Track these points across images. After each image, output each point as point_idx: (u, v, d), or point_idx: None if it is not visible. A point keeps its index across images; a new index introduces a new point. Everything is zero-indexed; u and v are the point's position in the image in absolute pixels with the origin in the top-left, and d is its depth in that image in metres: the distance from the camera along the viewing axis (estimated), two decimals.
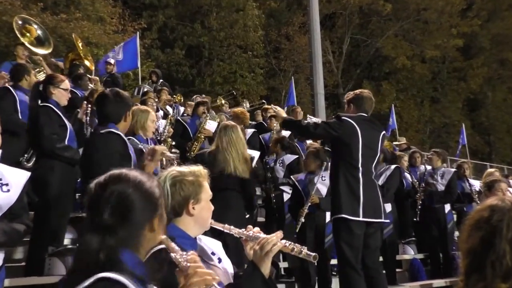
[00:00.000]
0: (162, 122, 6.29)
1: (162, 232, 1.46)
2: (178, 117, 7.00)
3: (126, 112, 3.16)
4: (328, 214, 5.17)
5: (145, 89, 9.00)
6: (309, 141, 7.14)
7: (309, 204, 5.01)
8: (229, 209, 4.02)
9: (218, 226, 2.02)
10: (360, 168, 3.97)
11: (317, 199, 5.06)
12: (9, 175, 2.24)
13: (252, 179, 4.29)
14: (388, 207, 5.72)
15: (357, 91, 4.34)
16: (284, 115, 4.26)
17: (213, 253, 2.07)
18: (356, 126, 4.01)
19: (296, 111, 9.38)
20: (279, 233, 1.90)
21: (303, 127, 4.16)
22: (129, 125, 3.23)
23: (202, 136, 6.25)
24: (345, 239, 3.91)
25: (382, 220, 4.11)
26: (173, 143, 5.98)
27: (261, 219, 6.11)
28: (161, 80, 10.12)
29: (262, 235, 1.91)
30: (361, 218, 3.90)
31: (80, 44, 7.91)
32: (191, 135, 6.36)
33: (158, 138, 4.17)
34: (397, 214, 6.14)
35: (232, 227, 1.98)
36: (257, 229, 1.96)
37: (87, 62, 7.63)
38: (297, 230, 4.95)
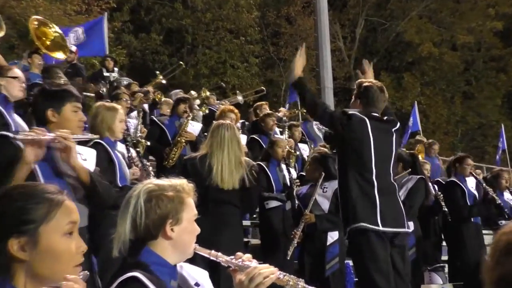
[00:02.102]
0: (132, 122, 6.30)
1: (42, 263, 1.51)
2: (154, 117, 7.01)
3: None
4: (329, 235, 5.19)
5: (120, 81, 9.00)
6: (302, 146, 7.17)
7: (303, 224, 5.06)
8: (224, 227, 4.03)
9: (203, 252, 2.03)
10: (374, 169, 4.03)
11: (312, 218, 5.11)
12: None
13: (254, 189, 4.27)
14: (410, 225, 5.74)
15: (366, 81, 4.36)
16: (300, 70, 4.29)
17: (197, 284, 2.09)
18: (367, 121, 4.08)
19: (302, 111, 9.43)
20: (274, 269, 1.91)
21: (315, 103, 4.23)
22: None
23: (183, 141, 6.23)
24: (369, 256, 3.91)
25: (406, 230, 4.14)
26: (148, 143, 6.00)
27: (255, 241, 6.13)
28: (116, 69, 10.09)
29: (253, 263, 1.92)
30: (380, 228, 3.92)
31: (33, 28, 7.90)
32: (170, 139, 6.36)
33: (128, 139, 4.16)
34: (422, 234, 6.17)
35: (219, 253, 1.99)
36: (247, 256, 1.98)
37: (58, 54, 7.63)
38: (288, 257, 5.00)
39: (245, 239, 6.35)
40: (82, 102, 3.40)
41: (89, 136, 3.18)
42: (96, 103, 4.14)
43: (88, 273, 1.62)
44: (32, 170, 2.85)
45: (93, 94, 8.14)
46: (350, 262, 5.35)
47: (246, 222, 7.30)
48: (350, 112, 4.10)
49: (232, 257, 1.97)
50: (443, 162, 7.40)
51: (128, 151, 4.12)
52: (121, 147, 4.06)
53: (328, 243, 5.20)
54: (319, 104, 4.24)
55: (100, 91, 7.60)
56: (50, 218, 1.54)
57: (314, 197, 5.15)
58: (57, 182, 2.87)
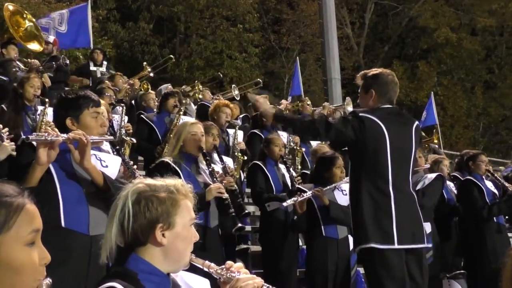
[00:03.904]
0: (116, 117, 6.30)
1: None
2: (142, 115, 7.01)
3: None
4: (351, 239, 5.25)
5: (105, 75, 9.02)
6: (315, 142, 7.17)
7: (311, 194, 5.06)
8: None
9: (198, 262, 2.03)
10: (391, 179, 3.98)
11: (325, 198, 5.12)
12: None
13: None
14: (428, 227, 5.74)
15: (376, 70, 4.30)
16: (269, 107, 4.28)
17: None
18: (382, 125, 4.01)
19: (303, 104, 9.41)
20: (258, 280, 1.93)
21: (309, 127, 4.16)
22: None
23: None
24: (384, 274, 3.91)
25: (425, 245, 4.13)
26: (134, 141, 6.00)
27: (257, 248, 6.13)
28: (105, 63, 10.08)
29: (241, 275, 1.94)
30: (396, 246, 3.91)
31: (9, 15, 7.95)
32: (160, 138, 6.37)
33: (112, 139, 4.19)
34: (440, 238, 6.18)
35: (212, 264, 1.99)
36: (238, 265, 1.99)
37: (32, 45, 7.67)
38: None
39: (245, 246, 6.37)
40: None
41: (104, 138, 3.37)
42: None
43: (50, 280, 1.53)
44: (50, 172, 3.06)
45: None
46: (361, 270, 5.38)
47: (246, 227, 7.30)
48: (361, 115, 4.02)
49: (223, 266, 1.97)
50: None
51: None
52: (105, 145, 4.07)
53: (351, 248, 5.25)
54: (316, 124, 4.11)
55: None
56: (9, 227, 1.42)
57: (334, 185, 5.21)
58: (72, 186, 3.15)
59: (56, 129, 3.04)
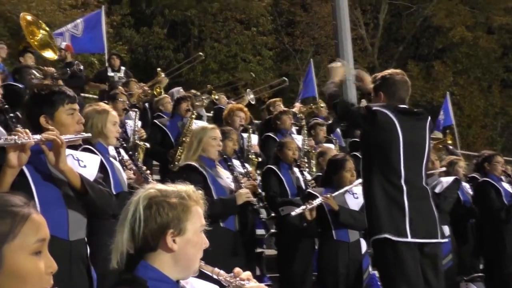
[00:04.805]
0: (129, 122, 6.34)
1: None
2: (155, 120, 7.05)
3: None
4: (363, 243, 5.23)
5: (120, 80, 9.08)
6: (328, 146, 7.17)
7: (320, 202, 5.05)
8: None
9: (207, 270, 2.02)
10: (403, 173, 3.99)
11: (334, 203, 5.10)
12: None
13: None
14: (446, 230, 5.69)
15: (386, 72, 4.33)
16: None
17: None
18: (394, 119, 4.03)
19: (318, 106, 9.39)
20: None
21: (340, 107, 4.29)
22: None
23: (188, 140, 6.27)
24: (396, 267, 3.89)
25: (439, 240, 4.09)
26: (147, 145, 6.03)
27: (271, 251, 6.12)
28: (123, 68, 10.15)
29: (250, 283, 1.94)
30: (409, 239, 3.88)
31: (25, 24, 8.08)
32: (173, 142, 6.39)
33: (124, 144, 4.19)
34: (456, 241, 6.11)
35: (221, 271, 1.98)
36: (247, 274, 1.98)
37: (47, 53, 7.78)
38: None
39: (259, 250, 6.36)
40: (79, 103, 3.40)
41: (81, 135, 3.10)
42: (86, 107, 4.15)
43: None
44: (24, 175, 2.85)
45: (95, 96, 8.25)
46: (376, 273, 5.35)
47: (260, 231, 7.29)
48: (374, 108, 4.05)
49: (232, 274, 1.96)
50: None
51: (119, 154, 4.13)
52: (111, 150, 4.08)
53: (363, 251, 5.26)
54: (343, 103, 4.31)
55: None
56: (15, 236, 1.45)
57: (345, 189, 5.20)
58: (48, 188, 2.93)
59: (27, 130, 2.77)
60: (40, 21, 8.32)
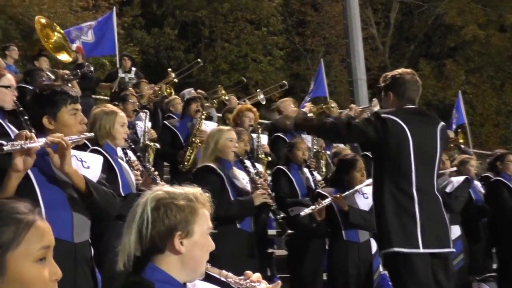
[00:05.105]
0: (140, 123, 6.36)
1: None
2: (165, 121, 7.07)
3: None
4: (373, 243, 5.21)
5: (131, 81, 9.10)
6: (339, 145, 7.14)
7: (329, 202, 5.04)
8: None
9: (214, 272, 2.03)
10: (414, 181, 3.93)
11: (344, 204, 5.08)
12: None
13: None
14: (457, 230, 5.65)
15: (396, 72, 4.27)
16: (289, 115, 4.31)
17: None
18: (404, 126, 3.96)
19: (329, 106, 9.36)
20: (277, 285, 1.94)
21: (329, 129, 4.17)
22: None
23: (198, 141, 6.29)
24: (409, 280, 3.86)
25: (450, 250, 4.06)
26: (158, 146, 6.05)
27: (281, 252, 6.11)
28: (134, 69, 10.18)
29: (262, 285, 1.94)
30: (421, 250, 3.85)
31: (39, 27, 8.15)
32: (183, 143, 6.41)
33: (132, 145, 4.20)
34: (468, 240, 6.08)
35: (229, 274, 1.99)
36: (257, 275, 1.98)
37: (62, 56, 7.84)
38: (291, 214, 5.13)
39: (270, 250, 6.36)
40: (90, 104, 3.40)
41: (84, 135, 3.09)
42: (94, 108, 4.16)
43: None
44: (29, 178, 2.85)
45: (106, 97, 8.29)
46: (387, 273, 5.34)
47: (272, 231, 7.28)
48: (383, 116, 3.99)
49: (242, 277, 1.97)
50: None
51: (126, 155, 4.14)
52: (118, 151, 4.09)
53: (373, 251, 5.23)
54: (336, 126, 4.20)
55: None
56: (19, 243, 1.44)
57: (355, 189, 5.19)
58: (53, 190, 2.93)
59: (33, 134, 2.76)
60: (54, 24, 8.38)
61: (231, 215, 4.42)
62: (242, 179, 4.69)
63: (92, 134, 3.37)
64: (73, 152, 3.05)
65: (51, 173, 2.95)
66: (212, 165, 4.50)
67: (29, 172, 2.83)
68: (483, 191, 6.71)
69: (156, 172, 3.88)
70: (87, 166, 3.14)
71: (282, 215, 4.65)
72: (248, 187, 4.67)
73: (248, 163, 4.96)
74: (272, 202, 4.60)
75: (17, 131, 3.95)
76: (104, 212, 3.06)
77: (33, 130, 3.37)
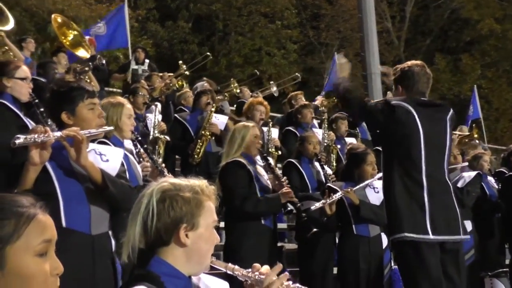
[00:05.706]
0: (150, 116, 6.38)
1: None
2: (176, 115, 7.08)
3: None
4: (384, 237, 5.18)
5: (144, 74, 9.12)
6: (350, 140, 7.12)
7: (340, 196, 5.03)
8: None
9: (219, 265, 2.03)
10: (424, 168, 3.93)
11: (355, 197, 5.05)
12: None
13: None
14: (468, 225, 5.62)
15: (405, 64, 4.25)
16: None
17: None
18: (414, 112, 3.97)
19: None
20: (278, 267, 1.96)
21: (353, 104, 4.23)
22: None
23: (208, 133, 6.31)
24: (416, 263, 3.85)
25: (461, 237, 4.02)
26: (168, 138, 6.07)
27: (291, 246, 6.10)
28: (147, 61, 10.20)
29: (270, 277, 1.93)
30: (431, 236, 3.83)
31: (57, 26, 8.24)
32: (193, 136, 6.42)
33: (139, 137, 4.21)
34: (479, 235, 6.03)
35: (236, 266, 1.99)
36: (266, 268, 1.97)
37: (80, 52, 7.92)
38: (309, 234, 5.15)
39: (280, 244, 6.37)
40: (101, 96, 3.42)
41: (102, 130, 3.13)
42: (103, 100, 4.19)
43: None
44: (47, 171, 2.92)
45: (119, 90, 8.32)
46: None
47: (282, 225, 7.28)
48: (393, 103, 4.00)
49: (249, 270, 1.96)
50: None
51: (136, 146, 4.16)
52: (128, 144, 4.10)
53: (383, 246, 5.22)
54: (358, 101, 4.23)
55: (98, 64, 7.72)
56: (19, 236, 1.43)
57: (366, 183, 5.18)
58: (71, 183, 2.99)
59: (47, 128, 2.83)
60: (71, 22, 8.49)
61: (259, 212, 4.54)
62: (263, 175, 4.75)
63: (112, 127, 3.42)
64: (92, 145, 3.16)
65: (69, 167, 3.01)
66: (242, 160, 4.56)
67: (47, 165, 2.90)
68: (497, 186, 6.66)
69: (164, 164, 3.88)
70: (106, 159, 3.18)
71: (304, 215, 4.72)
72: (269, 184, 4.74)
73: (270, 160, 5.00)
74: (297, 200, 4.64)
75: (34, 124, 3.99)
76: (121, 205, 3.09)
77: (49, 122, 3.44)
